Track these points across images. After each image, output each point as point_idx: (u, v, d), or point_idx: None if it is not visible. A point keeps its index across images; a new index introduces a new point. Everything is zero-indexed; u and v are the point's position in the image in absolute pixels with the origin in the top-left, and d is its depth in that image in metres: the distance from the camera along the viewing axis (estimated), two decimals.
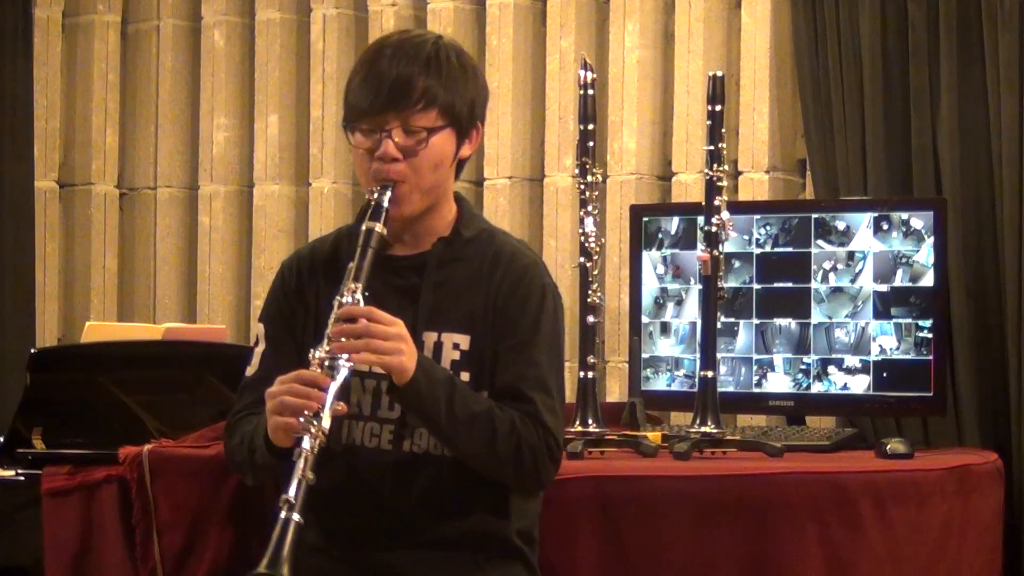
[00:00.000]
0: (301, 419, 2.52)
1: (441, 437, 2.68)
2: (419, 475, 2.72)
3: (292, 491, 2.45)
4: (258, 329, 2.84)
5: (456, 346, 2.73)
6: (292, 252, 2.97)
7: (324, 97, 5.08)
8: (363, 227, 2.67)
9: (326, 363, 2.57)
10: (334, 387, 2.54)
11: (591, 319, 3.59)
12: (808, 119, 4.30)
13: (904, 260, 3.83)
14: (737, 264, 3.93)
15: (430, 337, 2.73)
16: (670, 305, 4.02)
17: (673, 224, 4.02)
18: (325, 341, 2.58)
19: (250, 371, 2.80)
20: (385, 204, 2.68)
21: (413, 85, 2.69)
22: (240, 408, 2.79)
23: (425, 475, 2.72)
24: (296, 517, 2.43)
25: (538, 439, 2.67)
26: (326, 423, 2.52)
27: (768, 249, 3.94)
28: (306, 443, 2.50)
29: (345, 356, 2.57)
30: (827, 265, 3.88)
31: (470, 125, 2.78)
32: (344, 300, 2.60)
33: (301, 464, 2.48)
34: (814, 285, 3.89)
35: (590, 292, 3.59)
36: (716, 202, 3.54)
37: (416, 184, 2.71)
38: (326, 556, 2.76)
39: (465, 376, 2.71)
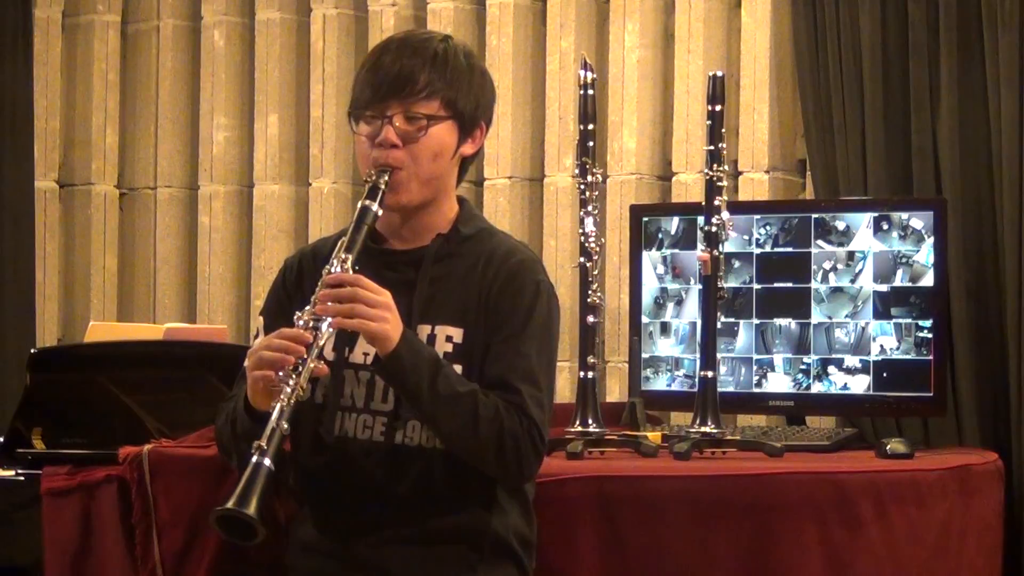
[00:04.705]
0: (280, 373, 2.56)
1: (423, 414, 2.69)
2: (410, 467, 2.73)
3: (266, 438, 2.51)
4: (258, 323, 2.87)
5: (449, 339, 2.74)
6: (295, 251, 2.99)
7: (324, 97, 5.08)
8: (359, 204, 2.70)
9: (310, 324, 2.60)
10: (315, 344, 2.58)
11: (591, 319, 3.59)
12: (808, 119, 4.30)
13: (904, 260, 3.83)
14: (737, 264, 3.92)
15: (423, 330, 2.74)
16: (670, 305, 4.02)
17: (673, 224, 4.02)
18: (311, 305, 2.62)
19: (247, 362, 2.81)
20: (382, 186, 2.71)
21: (417, 76, 2.72)
22: (233, 394, 2.81)
23: (416, 467, 2.73)
24: (267, 462, 2.48)
25: (522, 429, 2.67)
26: (305, 378, 2.56)
27: (768, 249, 3.94)
28: (283, 395, 2.54)
29: (329, 319, 2.60)
30: (827, 265, 3.88)
31: (473, 123, 2.79)
32: (333, 270, 2.64)
33: (276, 414, 2.53)
34: (814, 285, 3.89)
35: (590, 292, 3.59)
36: (716, 202, 3.54)
37: (415, 172, 2.73)
38: (320, 553, 2.78)
39: (457, 369, 2.71)
